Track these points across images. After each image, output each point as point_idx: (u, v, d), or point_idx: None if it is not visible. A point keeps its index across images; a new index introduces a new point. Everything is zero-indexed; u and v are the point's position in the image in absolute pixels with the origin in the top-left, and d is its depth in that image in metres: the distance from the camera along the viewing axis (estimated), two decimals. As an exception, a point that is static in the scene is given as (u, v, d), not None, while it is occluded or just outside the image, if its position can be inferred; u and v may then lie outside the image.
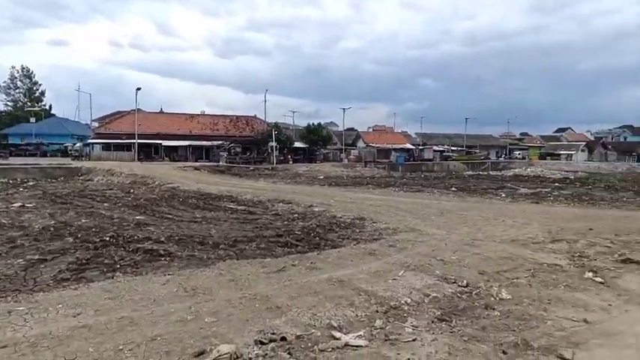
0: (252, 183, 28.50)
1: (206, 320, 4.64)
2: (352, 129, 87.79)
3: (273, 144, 56.97)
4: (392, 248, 9.68)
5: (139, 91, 55.34)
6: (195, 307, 5.06)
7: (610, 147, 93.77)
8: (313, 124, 70.12)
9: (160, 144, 58.23)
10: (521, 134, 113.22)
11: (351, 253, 8.93)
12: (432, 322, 4.02)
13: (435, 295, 5.79)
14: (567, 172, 47.62)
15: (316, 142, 67.01)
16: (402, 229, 11.95)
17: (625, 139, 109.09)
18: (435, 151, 68.04)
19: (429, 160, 62.36)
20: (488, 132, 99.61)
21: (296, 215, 14.51)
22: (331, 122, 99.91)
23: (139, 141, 54.37)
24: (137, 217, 13.26)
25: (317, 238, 10.71)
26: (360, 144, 73.92)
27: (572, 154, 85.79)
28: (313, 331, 4.15)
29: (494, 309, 4.11)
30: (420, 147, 70.71)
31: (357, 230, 11.92)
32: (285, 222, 13.27)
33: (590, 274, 5.19)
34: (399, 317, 4.35)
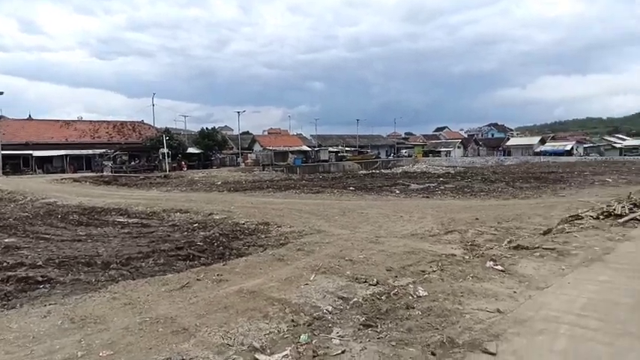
0: (143, 193, 26.47)
1: (101, 355, 3.99)
2: (247, 133, 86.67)
3: (165, 150, 53.72)
4: (300, 252, 9.52)
5: (0, 96, 48.46)
6: (86, 341, 4.34)
7: (481, 143, 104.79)
8: (207, 128, 67.80)
9: (31, 154, 51.70)
10: (406, 134, 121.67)
11: (259, 261, 8.57)
12: (358, 329, 3.89)
13: (352, 298, 5.72)
14: (448, 167, 52.10)
15: (211, 147, 64.84)
16: (308, 231, 11.88)
17: (492, 135, 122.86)
18: (330, 152, 69.87)
19: (326, 161, 63.88)
20: (378, 132, 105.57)
21: (196, 225, 13.68)
22: (225, 126, 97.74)
23: (4, 152, 47.68)
24: (5, 241, 11.40)
25: (221, 248, 10.14)
26: (257, 147, 73.21)
27: (450, 151, 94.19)
28: (232, 354, 3.76)
29: (414, 308, 4.12)
30: (316, 148, 72.12)
31: (263, 236, 11.57)
32: (185, 233, 12.42)
33: (491, 263, 5.50)
34: (324, 328, 4.15)
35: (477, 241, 10.18)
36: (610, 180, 26.21)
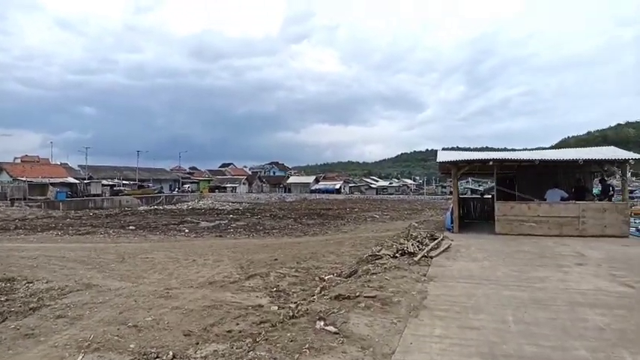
0: None
1: None
2: (-8, 159, 69.63)
3: None
4: (60, 320, 7.05)
5: None
6: None
7: (264, 180, 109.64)
8: None
9: None
10: (190, 168, 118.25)
11: (-10, 343, 5.88)
12: None
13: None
14: (234, 202, 52.03)
15: None
16: (73, 287, 9.19)
17: (274, 173, 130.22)
18: (104, 185, 61.73)
19: (98, 195, 55.98)
20: (161, 165, 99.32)
21: None
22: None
23: None
24: None
25: None
26: (5, 177, 59.29)
27: (236, 187, 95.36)
28: None
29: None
30: (85, 181, 62.73)
31: (3, 299, 8.38)
32: None
33: (322, 324, 4.66)
34: None
35: (282, 285, 9.44)
36: (377, 216, 29.88)
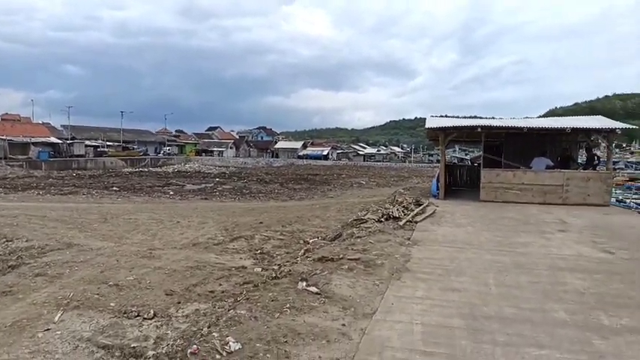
0: None
1: None
2: (-30, 116, 67.48)
3: None
4: (39, 278, 6.96)
5: None
6: None
7: (252, 145, 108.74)
8: None
9: None
10: (177, 131, 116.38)
11: (-34, 301, 5.79)
12: None
13: (122, 346, 4.01)
14: (221, 167, 51.63)
15: None
16: (54, 245, 9.06)
17: (262, 138, 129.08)
18: (87, 146, 60.44)
19: (81, 156, 54.92)
20: (147, 127, 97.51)
21: None
22: None
23: None
24: None
25: None
26: (-17, 135, 57.71)
27: (223, 151, 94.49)
28: None
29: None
30: (69, 141, 61.39)
31: (-20, 257, 8.22)
32: None
33: (304, 284, 4.62)
34: None
35: (266, 248, 9.43)
36: (364, 182, 29.93)
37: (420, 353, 3.20)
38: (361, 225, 8.63)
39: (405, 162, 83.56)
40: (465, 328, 3.66)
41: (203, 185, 24.51)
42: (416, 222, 9.02)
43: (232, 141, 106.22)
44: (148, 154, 66.73)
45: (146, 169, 44.14)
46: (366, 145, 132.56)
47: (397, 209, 9.47)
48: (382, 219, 8.91)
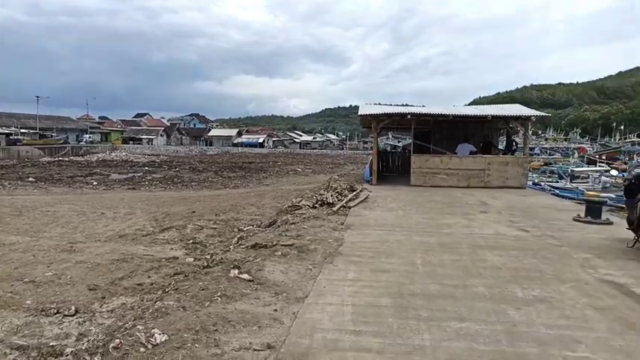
0: None
1: None
2: None
3: None
4: (-59, 279, 6.27)
5: None
6: None
7: (184, 132, 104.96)
8: None
9: None
10: (100, 118, 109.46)
11: None
12: None
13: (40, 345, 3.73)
14: (151, 155, 49.40)
15: None
16: (-42, 243, 8.21)
17: (194, 125, 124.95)
18: (-2, 133, 55.39)
19: (-9, 144, 50.14)
20: (67, 114, 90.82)
21: None
22: None
23: None
24: None
25: None
26: None
27: (153, 139, 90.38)
28: None
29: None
30: (-25, 128, 55.65)
31: None
32: None
33: (236, 272, 4.54)
34: None
35: (199, 237, 9.18)
36: (300, 170, 30.01)
37: (349, 333, 3.27)
38: (296, 211, 8.66)
39: (341, 149, 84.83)
40: (392, 307, 3.80)
41: (131, 174, 23.31)
42: (349, 207, 9.20)
43: (163, 128, 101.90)
44: (69, 143, 62.20)
45: (67, 159, 41.16)
46: (302, 132, 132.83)
47: (331, 195, 9.60)
48: (316, 205, 8.99)
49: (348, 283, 4.40)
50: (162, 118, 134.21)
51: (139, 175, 23.39)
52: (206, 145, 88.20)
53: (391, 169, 18.75)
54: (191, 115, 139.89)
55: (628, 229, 6.35)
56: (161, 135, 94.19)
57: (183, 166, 30.21)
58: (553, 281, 4.62)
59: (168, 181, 20.49)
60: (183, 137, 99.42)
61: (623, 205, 9.37)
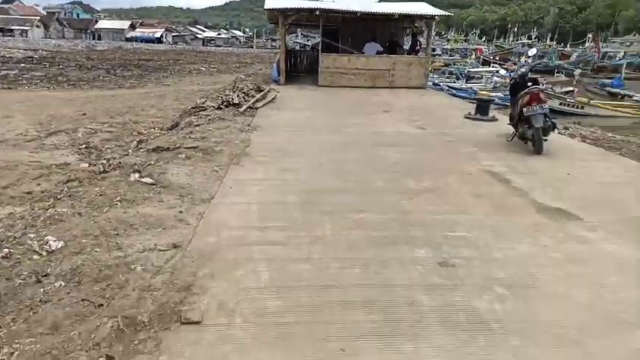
0: None
1: None
2: None
3: None
4: None
5: None
6: None
7: (66, 24, 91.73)
8: None
9: None
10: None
11: None
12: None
13: None
14: (27, 50, 42.83)
15: None
16: None
17: (78, 15, 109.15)
18: None
19: None
20: None
21: None
22: None
23: None
24: None
25: None
26: None
27: (27, 30, 78.04)
28: None
29: (48, 275, 2.54)
30: None
31: None
32: None
33: (137, 176, 4.33)
34: None
35: (93, 142, 8.50)
36: (203, 69, 28.24)
37: (255, 229, 3.38)
38: (200, 113, 8.30)
39: (250, 47, 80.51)
40: (298, 203, 3.96)
41: (4, 72, 20.22)
42: (256, 108, 9.00)
43: (39, 18, 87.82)
44: None
45: None
46: (205, 28, 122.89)
47: (237, 96, 9.26)
48: (222, 106, 8.66)
49: (254, 182, 4.45)
50: (37, 5, 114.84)
51: (14, 72, 20.35)
52: (94, 39, 78.49)
53: (299, 69, 18.36)
54: (73, 2, 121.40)
55: (509, 124, 7.04)
56: (37, 26, 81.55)
57: (69, 63, 26.79)
58: (442, 173, 5.08)
59: (51, 80, 18.17)
60: (65, 29, 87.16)
61: (508, 103, 10.28)
